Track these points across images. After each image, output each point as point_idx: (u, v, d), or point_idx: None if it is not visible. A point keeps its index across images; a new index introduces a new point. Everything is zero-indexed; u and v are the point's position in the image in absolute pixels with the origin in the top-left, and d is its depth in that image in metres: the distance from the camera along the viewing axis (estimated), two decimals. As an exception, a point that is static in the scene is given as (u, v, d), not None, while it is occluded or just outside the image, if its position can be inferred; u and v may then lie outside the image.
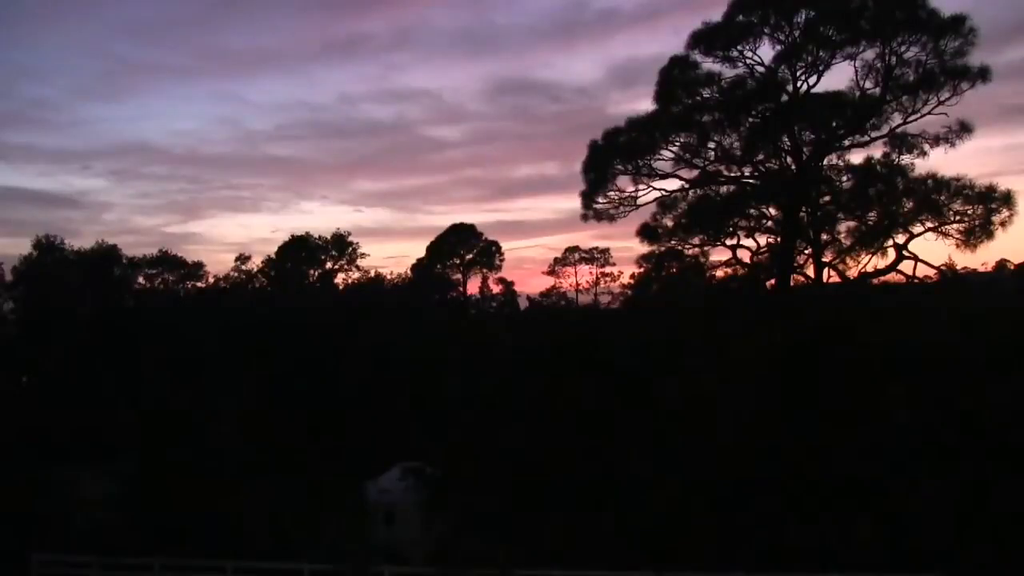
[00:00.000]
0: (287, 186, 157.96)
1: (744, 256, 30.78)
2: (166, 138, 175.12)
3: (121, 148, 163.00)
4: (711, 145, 30.38)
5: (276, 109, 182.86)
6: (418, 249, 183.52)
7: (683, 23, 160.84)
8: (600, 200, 31.76)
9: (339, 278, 67.23)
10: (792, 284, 30.16)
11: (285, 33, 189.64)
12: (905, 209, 28.13)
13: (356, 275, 66.94)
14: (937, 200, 27.68)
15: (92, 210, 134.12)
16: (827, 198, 29.84)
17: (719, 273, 31.22)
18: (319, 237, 67.36)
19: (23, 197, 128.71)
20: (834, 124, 29.39)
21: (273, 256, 66.47)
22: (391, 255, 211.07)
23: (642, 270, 32.83)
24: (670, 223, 31.02)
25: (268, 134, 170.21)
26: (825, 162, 30.15)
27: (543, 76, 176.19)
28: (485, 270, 74.98)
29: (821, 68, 29.60)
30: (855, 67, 29.01)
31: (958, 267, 29.39)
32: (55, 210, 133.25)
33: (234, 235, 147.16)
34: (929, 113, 28.30)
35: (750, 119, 30.17)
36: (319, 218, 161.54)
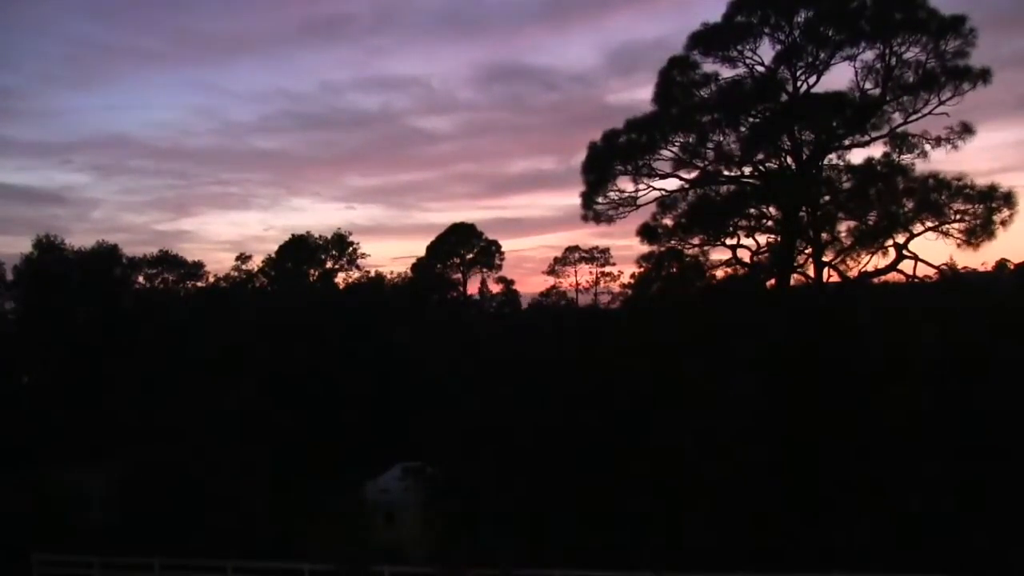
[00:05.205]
0: (276, 182, 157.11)
1: (744, 256, 30.79)
2: (146, 130, 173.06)
3: (100, 141, 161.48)
4: (711, 145, 30.37)
5: (257, 98, 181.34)
6: (414, 247, 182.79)
7: (681, 3, 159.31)
8: (600, 201, 31.72)
9: (339, 278, 67.34)
10: (792, 284, 30.15)
11: (261, 14, 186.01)
12: (905, 209, 28.10)
13: (356, 275, 67.05)
14: (938, 200, 27.66)
15: (79, 207, 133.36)
16: (827, 198, 29.81)
17: (719, 273, 31.23)
18: (319, 237, 67.53)
19: (8, 194, 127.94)
20: (834, 124, 29.36)
21: (273, 255, 66.68)
22: (392, 255, 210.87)
23: (642, 270, 32.83)
24: (670, 223, 30.99)
25: (252, 126, 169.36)
26: (825, 162, 30.13)
27: (536, 61, 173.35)
28: (485, 270, 75.05)
29: (821, 68, 29.60)
30: (855, 67, 29.04)
31: (959, 267, 29.34)
32: (42, 207, 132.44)
33: (227, 233, 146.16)
34: (930, 113, 28.30)
35: (750, 119, 30.17)
36: (312, 215, 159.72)
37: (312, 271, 66.97)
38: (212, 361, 41.75)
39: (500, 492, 25.47)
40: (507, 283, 75.08)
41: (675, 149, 30.64)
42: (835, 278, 29.26)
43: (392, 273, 71.66)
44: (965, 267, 30.30)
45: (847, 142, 29.59)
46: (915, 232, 28.23)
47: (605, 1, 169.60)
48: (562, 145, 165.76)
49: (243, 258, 66.13)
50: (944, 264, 28.54)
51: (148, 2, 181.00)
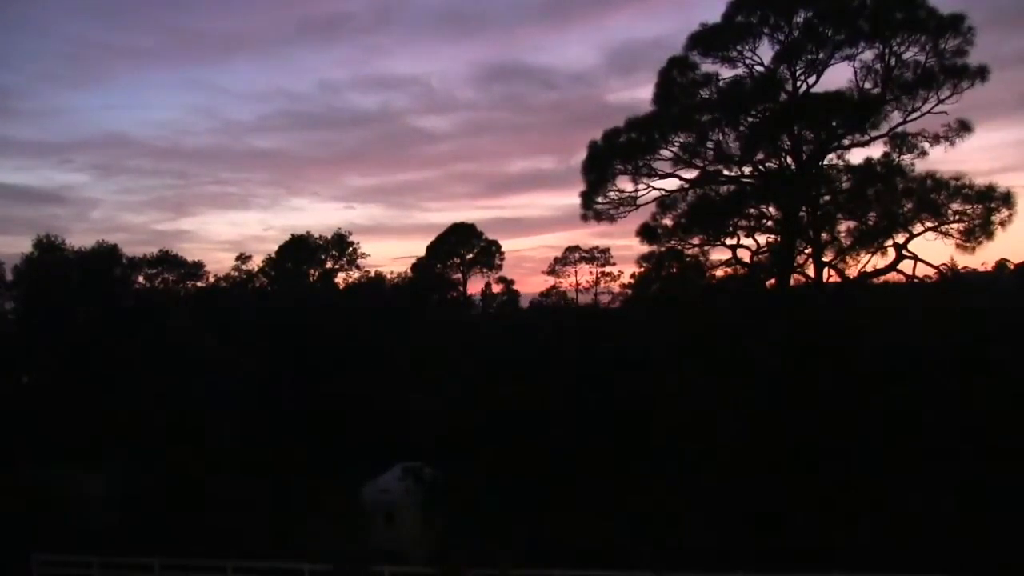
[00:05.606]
0: (276, 181, 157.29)
1: (744, 256, 30.84)
2: (145, 129, 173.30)
3: (99, 140, 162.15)
4: (710, 145, 30.40)
5: (255, 98, 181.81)
6: (414, 247, 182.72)
7: (681, 3, 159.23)
8: (600, 200, 31.77)
9: (339, 278, 67.35)
10: (792, 284, 30.18)
11: (259, 13, 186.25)
12: (905, 209, 28.14)
13: (356, 275, 67.04)
14: (936, 200, 27.70)
15: (78, 207, 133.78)
16: (827, 198, 29.84)
17: (719, 273, 31.26)
18: (319, 237, 67.56)
19: (7, 193, 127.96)
20: (834, 124, 29.39)
21: (273, 255, 66.71)
22: (392, 255, 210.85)
23: (642, 270, 32.87)
24: (670, 223, 31.05)
25: (250, 125, 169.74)
26: (825, 162, 30.18)
27: (535, 60, 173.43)
28: (485, 270, 75.05)
29: (820, 68, 29.64)
30: (854, 67, 29.11)
31: (959, 267, 29.38)
32: (41, 207, 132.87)
33: (227, 233, 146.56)
34: (929, 112, 28.35)
35: (750, 119, 30.20)
36: (311, 215, 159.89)
37: (312, 271, 66.98)
38: (213, 361, 41.76)
39: (500, 492, 25.47)
40: (507, 283, 75.18)
41: (675, 149, 30.70)
42: (835, 278, 29.30)
43: (392, 273, 71.68)
44: (965, 267, 30.37)
45: (847, 142, 29.64)
46: (914, 232, 28.29)
47: (604, 0, 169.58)
48: (562, 145, 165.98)
49: (243, 258, 66.32)
50: (944, 264, 28.61)
51: (147, 2, 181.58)
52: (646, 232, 31.17)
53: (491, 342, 47.27)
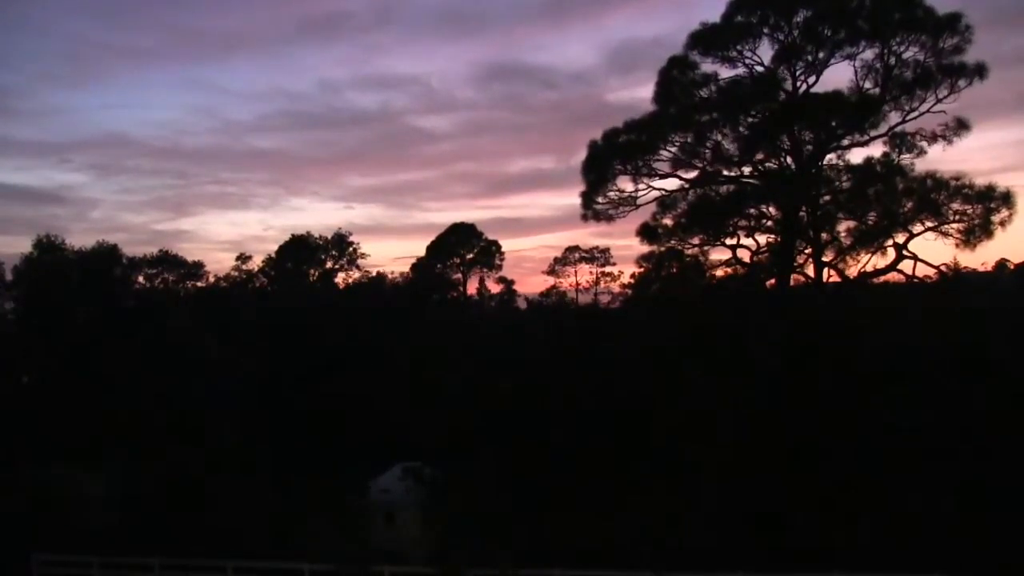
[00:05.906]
0: (275, 181, 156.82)
1: (744, 256, 30.85)
2: (144, 129, 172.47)
3: (99, 140, 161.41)
4: (710, 145, 30.41)
5: (255, 97, 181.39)
6: (414, 247, 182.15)
7: (680, 2, 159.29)
8: (600, 200, 31.79)
9: (339, 278, 67.33)
10: (792, 284, 30.18)
11: (259, 12, 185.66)
12: (905, 209, 28.15)
13: (356, 275, 67.02)
14: (936, 199, 27.72)
15: (78, 206, 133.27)
16: (827, 198, 29.85)
17: (719, 273, 31.26)
18: (319, 237, 67.53)
19: (7, 193, 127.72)
20: (833, 124, 29.41)
21: (273, 255, 66.67)
22: (392, 255, 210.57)
23: (642, 270, 32.88)
24: (670, 223, 31.07)
25: (250, 125, 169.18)
26: (825, 162, 30.19)
27: (535, 60, 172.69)
28: (485, 270, 75.00)
29: (820, 68, 29.66)
30: (854, 67, 29.14)
31: (959, 267, 29.36)
32: (41, 207, 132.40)
33: (226, 233, 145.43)
34: (928, 111, 28.39)
35: (750, 119, 30.21)
36: (311, 215, 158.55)
37: (312, 271, 66.95)
38: (213, 361, 41.74)
39: (500, 492, 25.48)
40: (507, 283, 75.13)
41: (675, 149, 30.71)
42: (835, 278, 29.30)
43: (392, 273, 71.63)
44: (965, 267, 30.37)
45: (846, 142, 29.67)
46: (914, 232, 28.31)
47: (604, 0, 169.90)
48: (562, 144, 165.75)
49: (243, 258, 66.27)
50: (944, 264, 28.62)
51: (147, 1, 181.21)
52: (646, 232, 31.17)
53: (491, 342, 47.25)
